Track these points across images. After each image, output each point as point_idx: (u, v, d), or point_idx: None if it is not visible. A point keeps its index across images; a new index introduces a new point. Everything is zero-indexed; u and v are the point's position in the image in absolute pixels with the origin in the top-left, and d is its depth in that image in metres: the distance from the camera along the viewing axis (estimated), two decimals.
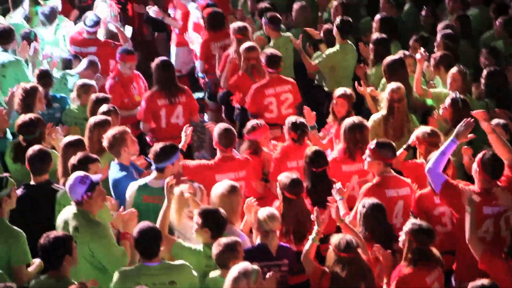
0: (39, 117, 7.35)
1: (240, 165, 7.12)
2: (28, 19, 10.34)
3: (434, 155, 6.17)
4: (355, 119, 7.19)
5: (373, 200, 6.06)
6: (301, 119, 7.42)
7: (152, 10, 10.55)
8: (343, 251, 5.53)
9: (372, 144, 6.62)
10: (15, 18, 10.08)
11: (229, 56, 9.12)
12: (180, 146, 7.12)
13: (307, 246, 5.86)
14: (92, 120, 7.25)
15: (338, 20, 9.28)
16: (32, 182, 6.55)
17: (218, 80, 9.47)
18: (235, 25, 9.25)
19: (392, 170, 6.68)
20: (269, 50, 8.62)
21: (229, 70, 9.07)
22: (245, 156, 7.27)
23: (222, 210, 5.84)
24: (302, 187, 6.45)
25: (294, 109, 8.49)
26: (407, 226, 5.63)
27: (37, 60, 9.12)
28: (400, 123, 7.65)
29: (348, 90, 7.89)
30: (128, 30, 10.25)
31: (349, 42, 9.35)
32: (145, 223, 5.55)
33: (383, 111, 7.77)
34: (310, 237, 5.88)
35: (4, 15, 10.30)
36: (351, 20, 9.37)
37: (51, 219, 6.22)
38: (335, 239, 5.61)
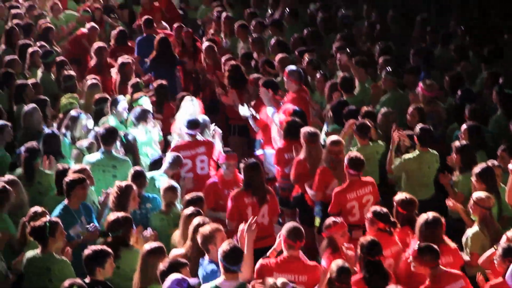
0: (127, 217, 7.83)
1: (305, 269, 7.35)
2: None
3: None
4: (430, 215, 7.50)
5: None
6: (385, 209, 7.79)
7: (242, 110, 11.11)
8: None
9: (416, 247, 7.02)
10: (111, 122, 10.73)
11: (299, 161, 9.56)
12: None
13: None
14: (195, 222, 7.68)
15: (418, 128, 9.57)
16: (86, 280, 7.03)
17: (286, 186, 9.98)
18: (304, 130, 9.64)
19: (442, 267, 6.99)
20: (353, 153, 8.95)
21: (295, 171, 9.52)
22: (315, 263, 7.51)
23: None
24: (349, 276, 6.81)
25: None
26: None
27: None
28: (499, 229, 7.91)
29: (407, 196, 8.11)
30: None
31: (431, 151, 9.59)
32: None
33: (477, 224, 8.00)
34: None
35: (98, 118, 11.00)
36: (431, 128, 9.65)
37: None
38: None
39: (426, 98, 10.88)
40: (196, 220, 7.69)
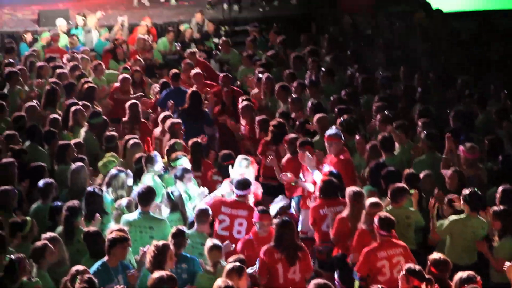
0: (171, 275, 7.96)
1: None
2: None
3: None
4: (465, 273, 7.57)
5: None
6: (418, 267, 7.84)
7: (287, 176, 11.11)
8: None
9: None
10: (147, 180, 10.85)
11: (341, 219, 9.65)
12: None
13: None
14: (222, 284, 7.83)
15: (467, 192, 9.58)
16: None
17: (324, 248, 10.06)
18: (350, 189, 9.79)
19: None
20: (383, 213, 9.05)
21: (336, 229, 9.60)
22: None
23: None
24: None
25: None
26: None
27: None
28: None
29: (441, 256, 8.16)
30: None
31: (480, 217, 9.55)
32: None
33: None
34: None
35: (139, 177, 11.14)
36: (480, 193, 9.62)
37: None
38: None
39: (468, 161, 10.83)
40: (220, 283, 7.78)
